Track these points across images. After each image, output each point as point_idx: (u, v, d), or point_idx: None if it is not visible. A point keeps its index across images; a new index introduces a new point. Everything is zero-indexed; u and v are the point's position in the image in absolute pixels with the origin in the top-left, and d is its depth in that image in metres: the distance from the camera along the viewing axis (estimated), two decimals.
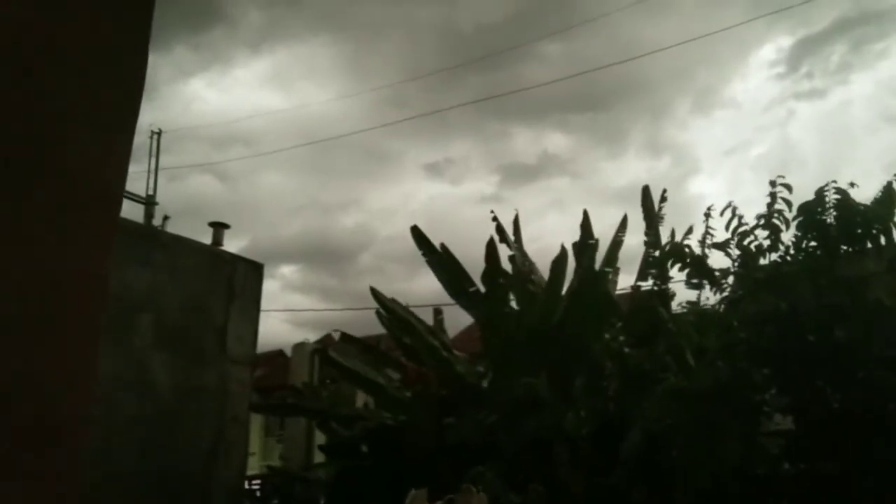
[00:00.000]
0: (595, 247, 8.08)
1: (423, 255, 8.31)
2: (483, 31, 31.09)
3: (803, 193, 5.60)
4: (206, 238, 10.50)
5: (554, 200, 36.83)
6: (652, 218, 7.78)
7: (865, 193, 5.51)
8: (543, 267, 8.68)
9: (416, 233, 8.24)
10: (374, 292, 8.47)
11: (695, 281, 5.90)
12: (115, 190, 1.21)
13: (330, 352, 9.31)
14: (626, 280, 8.87)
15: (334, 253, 35.02)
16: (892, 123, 31.68)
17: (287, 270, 38.69)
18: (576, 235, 8.43)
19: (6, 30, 1.10)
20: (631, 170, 36.56)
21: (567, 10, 30.73)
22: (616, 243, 8.54)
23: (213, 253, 8.94)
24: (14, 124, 1.10)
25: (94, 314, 1.14)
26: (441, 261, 8.28)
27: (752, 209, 5.67)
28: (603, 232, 8.82)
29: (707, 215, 5.83)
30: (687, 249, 5.77)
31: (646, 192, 7.94)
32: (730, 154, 36.73)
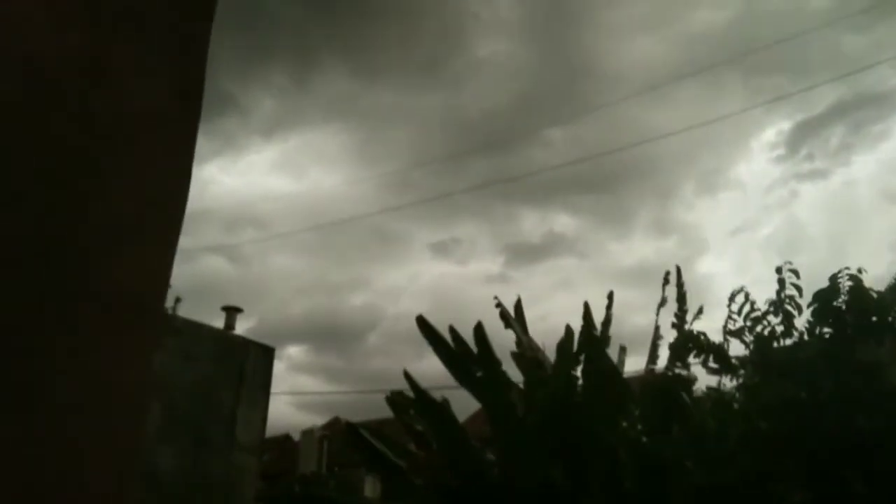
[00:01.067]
0: (607, 333, 8.01)
1: (430, 344, 8.15)
2: (488, 116, 32.00)
3: (813, 272, 5.64)
4: (218, 320, 10.53)
5: (561, 280, 36.89)
6: (683, 300, 7.70)
7: (876, 272, 5.53)
8: (551, 346, 8.62)
9: (422, 323, 8.14)
10: (407, 376, 8.27)
11: (714, 366, 5.85)
12: (157, 305, 1.26)
13: (360, 431, 9.05)
14: (632, 361, 8.80)
15: (341, 333, 34.90)
16: (894, 201, 31.94)
17: (294, 351, 38.47)
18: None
19: (53, 146, 1.17)
20: (639, 250, 36.76)
21: (569, 97, 31.66)
22: (606, 321, 8.44)
23: (226, 338, 8.95)
24: (57, 239, 1.15)
25: (135, 427, 1.16)
26: (447, 348, 8.15)
27: (762, 289, 5.69)
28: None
29: (731, 299, 5.80)
30: (703, 337, 5.75)
31: (670, 274, 7.84)
32: (737, 234, 36.98)
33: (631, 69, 31.11)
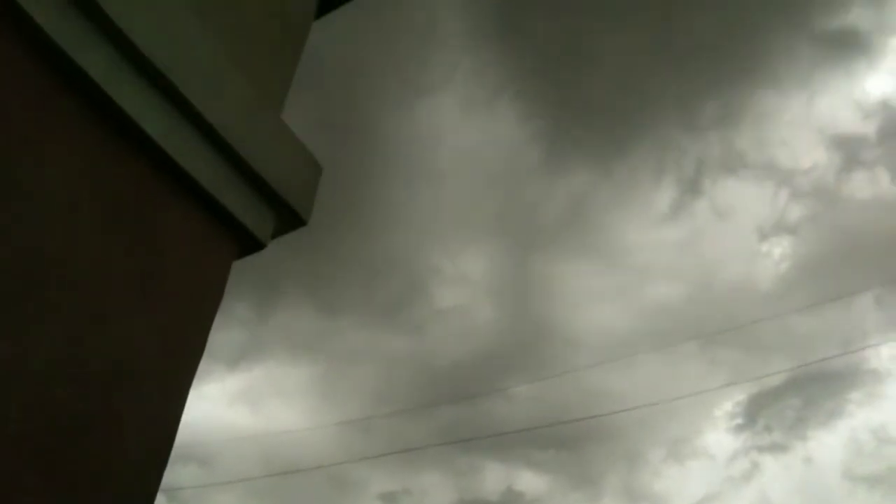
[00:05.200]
0: None
1: None
2: (450, 366, 32.33)
3: None
4: None
5: None
6: None
7: None
8: None
9: None
10: None
11: None
12: None
13: None
14: None
15: None
16: (857, 483, 31.57)
17: None
18: None
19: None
20: None
21: (532, 356, 32.39)
22: None
23: None
24: None
25: None
26: None
27: None
28: None
29: None
30: None
31: None
32: None
33: (592, 334, 32.33)
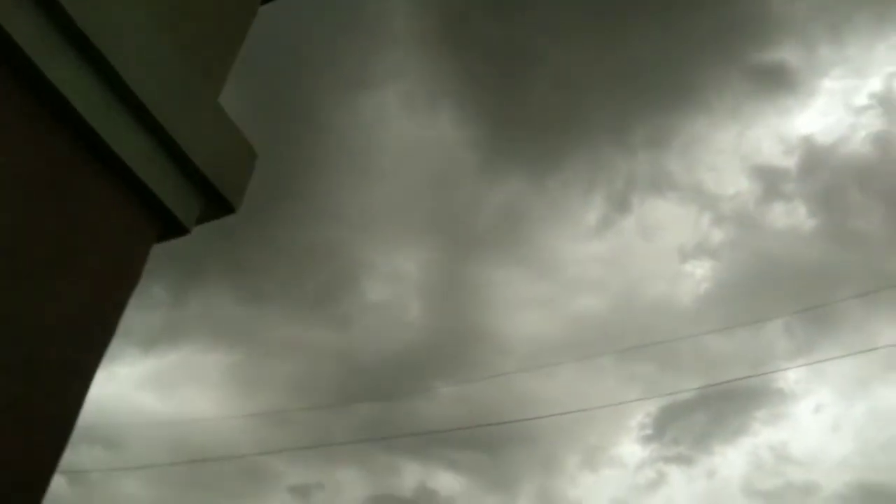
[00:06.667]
0: None
1: None
2: (375, 361, 32.18)
3: None
4: None
5: None
6: None
7: None
8: None
9: None
10: None
11: None
12: None
13: None
14: None
15: None
16: (755, 498, 33.08)
17: None
18: None
19: None
20: None
21: (458, 356, 32.60)
22: None
23: None
24: None
25: None
26: None
27: None
28: None
29: None
30: None
31: None
32: None
33: (517, 340, 32.81)
